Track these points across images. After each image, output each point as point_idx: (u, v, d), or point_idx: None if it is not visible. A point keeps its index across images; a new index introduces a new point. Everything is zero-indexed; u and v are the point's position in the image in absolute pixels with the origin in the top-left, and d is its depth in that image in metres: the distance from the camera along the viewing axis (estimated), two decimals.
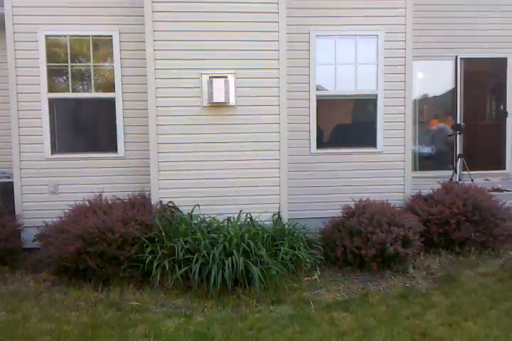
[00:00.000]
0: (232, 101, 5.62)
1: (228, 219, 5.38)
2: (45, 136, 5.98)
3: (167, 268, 4.59)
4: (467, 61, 7.70)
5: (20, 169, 5.94)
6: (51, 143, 6.01)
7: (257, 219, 5.49)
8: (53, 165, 6.02)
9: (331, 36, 6.33)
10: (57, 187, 6.00)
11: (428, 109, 8.00)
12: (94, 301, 4.42)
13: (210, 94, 5.54)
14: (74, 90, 6.12)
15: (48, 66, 5.98)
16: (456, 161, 7.25)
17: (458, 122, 7.65)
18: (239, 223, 5.33)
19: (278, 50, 5.66)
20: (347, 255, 5.18)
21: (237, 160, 5.64)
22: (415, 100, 7.66)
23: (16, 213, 5.87)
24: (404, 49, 6.34)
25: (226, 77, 5.61)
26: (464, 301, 4.33)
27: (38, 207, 5.94)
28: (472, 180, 6.84)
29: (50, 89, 6.01)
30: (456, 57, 7.67)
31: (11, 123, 5.94)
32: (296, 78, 6.23)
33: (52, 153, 6.03)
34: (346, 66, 6.40)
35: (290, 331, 3.79)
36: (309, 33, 6.26)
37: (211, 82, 5.54)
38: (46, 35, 5.94)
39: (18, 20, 5.88)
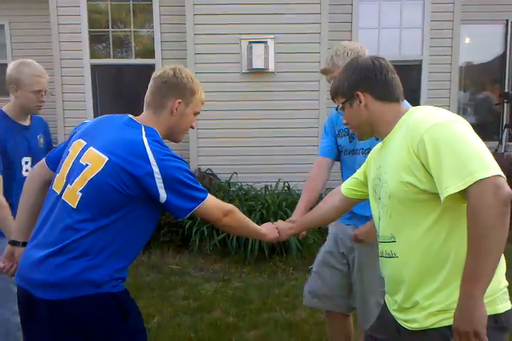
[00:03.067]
0: (271, 67, 5.54)
1: (266, 187, 5.40)
2: (87, 102, 6.07)
3: (205, 234, 4.69)
4: None
5: (65, 134, 6.08)
6: (94, 109, 6.10)
7: (294, 188, 5.49)
8: None
9: None
10: None
11: (474, 76, 7.68)
12: (135, 263, 4.58)
13: (250, 60, 5.47)
14: (115, 56, 6.15)
15: (89, 32, 6.00)
16: (503, 132, 6.99)
17: (506, 90, 7.31)
18: (276, 191, 5.35)
19: (320, 14, 5.50)
20: None
21: (276, 128, 5.60)
22: (461, 67, 7.35)
23: None
24: (452, 12, 6.03)
25: (266, 42, 5.50)
26: None
27: None
28: None
29: (92, 55, 6.06)
30: (507, 20, 7.26)
31: (55, 89, 6.05)
32: (337, 43, 6.06)
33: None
34: (390, 30, 6.17)
35: None
36: None
37: (250, 47, 5.45)
38: (88, 1, 5.94)
39: None
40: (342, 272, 2.51)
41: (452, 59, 6.10)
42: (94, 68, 6.08)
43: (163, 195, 1.64)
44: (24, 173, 2.56)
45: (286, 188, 5.45)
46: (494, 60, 7.53)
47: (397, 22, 6.16)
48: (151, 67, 6.05)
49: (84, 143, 1.73)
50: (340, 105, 1.68)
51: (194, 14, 5.49)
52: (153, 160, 1.62)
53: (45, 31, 6.33)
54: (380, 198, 1.62)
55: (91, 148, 1.69)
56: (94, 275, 1.61)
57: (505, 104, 7.21)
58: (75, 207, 1.64)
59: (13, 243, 1.91)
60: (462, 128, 1.44)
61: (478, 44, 7.45)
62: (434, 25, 6.06)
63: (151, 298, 3.86)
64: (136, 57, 6.16)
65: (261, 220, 4.66)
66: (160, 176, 1.62)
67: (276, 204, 4.87)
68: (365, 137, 1.74)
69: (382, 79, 1.60)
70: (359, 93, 1.61)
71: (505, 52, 7.37)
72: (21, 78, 2.47)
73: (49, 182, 1.81)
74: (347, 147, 2.42)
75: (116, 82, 6.40)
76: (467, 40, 7.36)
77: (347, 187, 1.95)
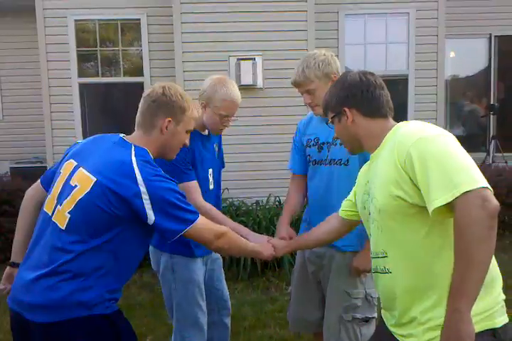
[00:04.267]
0: (259, 83, 5.58)
1: (257, 202, 5.40)
2: (76, 121, 6.06)
3: None
4: (502, 39, 7.43)
5: (53, 154, 6.05)
6: (82, 127, 6.10)
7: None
8: None
9: (361, 15, 6.18)
10: None
11: (460, 89, 7.79)
12: (127, 282, 4.52)
13: (238, 77, 5.51)
14: (103, 75, 6.17)
15: (77, 51, 6.03)
16: (490, 143, 7.07)
17: (492, 103, 7.42)
18: (267, 206, 5.34)
19: (306, 30, 5.58)
20: None
21: (266, 143, 5.62)
22: (446, 80, 7.46)
23: None
24: (437, 27, 6.15)
25: (254, 58, 5.56)
26: None
27: None
28: (506, 162, 6.67)
29: (80, 74, 6.07)
30: (491, 34, 7.40)
31: (43, 108, 6.04)
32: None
33: (84, 137, 6.11)
34: (376, 46, 6.27)
35: None
36: (338, 12, 6.13)
37: (239, 64, 5.50)
38: (75, 20, 5.98)
39: (48, 5, 5.91)
40: (316, 292, 2.46)
41: (438, 73, 6.20)
42: (82, 87, 6.09)
43: (151, 217, 1.61)
44: (210, 186, 2.50)
45: (277, 203, 5.45)
46: (479, 73, 7.66)
47: (382, 37, 6.26)
48: (139, 85, 6.08)
49: (75, 163, 1.71)
50: (330, 120, 1.71)
51: (182, 32, 5.54)
52: (141, 181, 1.59)
53: (33, 51, 6.35)
54: (369, 213, 1.62)
55: (81, 168, 1.68)
56: (85, 296, 1.58)
57: (491, 116, 7.32)
58: (63, 228, 1.62)
59: (14, 265, 1.90)
60: (448, 142, 1.45)
61: (463, 58, 7.58)
62: (419, 40, 6.16)
63: (143, 317, 3.80)
64: (124, 76, 6.19)
65: None
66: (148, 197, 1.59)
67: (268, 219, 4.86)
68: (355, 151, 1.76)
69: (369, 96, 1.62)
70: (346, 109, 1.63)
71: (489, 66, 7.50)
72: (213, 98, 2.35)
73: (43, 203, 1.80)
74: (315, 157, 2.37)
75: (104, 100, 6.41)
76: (452, 54, 7.49)
77: (342, 209, 1.97)
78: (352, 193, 1.91)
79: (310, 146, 2.40)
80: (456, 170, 1.35)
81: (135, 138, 1.77)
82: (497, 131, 7.37)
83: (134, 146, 1.70)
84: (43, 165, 6.31)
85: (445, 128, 7.47)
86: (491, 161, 6.75)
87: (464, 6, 7.12)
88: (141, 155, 1.67)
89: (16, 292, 1.67)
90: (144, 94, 1.82)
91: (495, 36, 7.40)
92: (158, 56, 6.03)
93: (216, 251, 1.92)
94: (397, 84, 6.34)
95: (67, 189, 1.67)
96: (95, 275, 1.60)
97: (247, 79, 5.51)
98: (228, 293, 2.74)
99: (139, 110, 1.82)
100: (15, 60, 6.93)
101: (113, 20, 6.06)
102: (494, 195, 1.34)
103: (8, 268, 1.92)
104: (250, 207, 5.29)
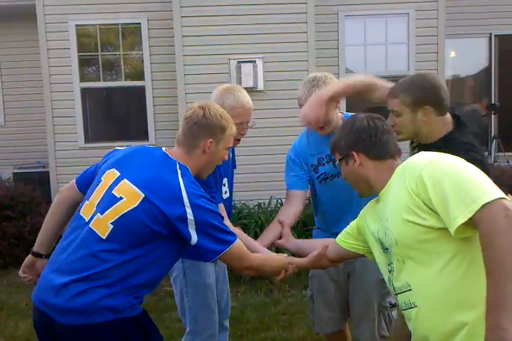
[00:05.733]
0: (260, 86, 5.59)
1: (259, 204, 5.40)
2: (78, 126, 6.08)
3: None
4: (502, 38, 7.42)
5: (56, 158, 6.07)
6: (84, 132, 6.11)
7: None
8: (87, 154, 6.11)
9: (360, 16, 6.18)
10: None
11: (461, 89, 7.79)
12: None
13: (239, 80, 5.53)
14: (105, 79, 6.19)
15: (79, 56, 6.05)
16: (491, 143, 7.06)
17: (493, 102, 7.41)
18: (269, 209, 5.35)
19: (306, 32, 5.59)
20: None
21: (267, 145, 5.63)
22: (447, 80, 7.46)
23: (52, 202, 6.00)
24: (437, 27, 6.14)
25: (254, 61, 5.57)
26: None
27: None
28: (508, 162, 6.66)
29: (82, 79, 6.09)
30: (491, 34, 7.40)
31: (45, 113, 6.06)
32: (325, 60, 6.14)
33: (86, 142, 6.13)
34: (376, 46, 6.27)
35: None
36: (338, 14, 6.13)
37: (239, 67, 5.52)
38: (76, 25, 6.00)
39: (49, 11, 5.94)
40: (337, 290, 2.49)
41: (438, 73, 6.18)
42: (84, 91, 6.10)
43: (194, 237, 1.68)
44: (224, 196, 2.49)
45: (278, 205, 5.45)
46: (480, 73, 7.65)
47: (382, 38, 6.26)
48: (141, 89, 6.10)
49: (118, 173, 1.75)
50: (338, 162, 1.78)
51: (182, 36, 5.56)
52: (188, 202, 1.66)
53: (35, 56, 6.39)
54: (387, 249, 1.60)
55: (125, 180, 1.72)
56: (114, 302, 1.64)
57: (492, 116, 7.30)
58: (104, 238, 1.66)
59: (37, 255, 1.95)
60: (456, 161, 1.48)
61: (464, 57, 7.57)
62: (419, 40, 6.16)
63: None
64: (125, 80, 6.20)
65: (255, 239, 4.64)
66: (193, 218, 1.66)
67: (270, 221, 4.84)
68: (365, 194, 1.79)
69: (377, 141, 1.67)
70: (354, 153, 1.68)
71: (490, 65, 7.49)
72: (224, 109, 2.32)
73: (77, 205, 1.86)
74: (332, 172, 2.36)
75: (106, 104, 6.43)
76: (452, 54, 7.48)
77: (339, 237, 1.96)
78: (352, 226, 1.90)
79: (323, 164, 2.40)
80: (469, 186, 1.36)
81: (177, 155, 1.82)
82: (498, 131, 7.36)
83: (179, 164, 1.76)
84: (46, 169, 6.32)
85: None
86: (492, 161, 6.73)
87: (463, 5, 7.12)
88: (187, 175, 1.73)
89: (43, 293, 1.70)
90: (185, 116, 1.89)
91: (495, 35, 7.39)
92: (159, 60, 6.05)
93: (242, 274, 2.03)
94: None
95: (109, 198, 1.71)
96: (127, 283, 1.65)
97: (247, 82, 5.52)
98: (230, 295, 2.74)
99: (179, 130, 1.88)
100: (17, 65, 6.97)
101: (114, 24, 6.08)
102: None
103: (30, 256, 1.96)
104: (252, 210, 5.29)
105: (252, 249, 2.11)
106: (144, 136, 6.10)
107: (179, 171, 1.72)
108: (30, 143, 6.95)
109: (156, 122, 6.07)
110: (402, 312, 1.63)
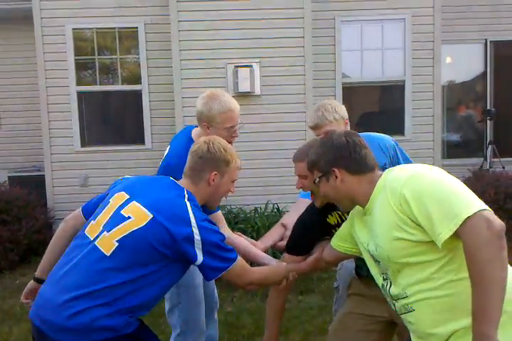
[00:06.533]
0: (257, 90, 5.60)
1: (255, 209, 5.39)
2: (74, 129, 6.06)
3: None
4: (498, 44, 7.46)
5: (51, 162, 6.05)
6: (80, 135, 6.09)
7: (284, 210, 5.48)
8: (83, 157, 6.11)
9: (357, 21, 6.20)
10: (87, 179, 6.08)
11: (457, 95, 7.81)
12: None
13: (236, 84, 5.53)
14: (101, 83, 6.18)
15: (75, 59, 6.04)
16: (487, 148, 7.07)
17: (488, 108, 7.44)
18: (266, 214, 5.34)
19: (303, 37, 5.61)
20: None
21: (263, 150, 5.63)
22: (443, 86, 7.48)
23: (47, 206, 5.99)
24: (433, 33, 6.18)
25: (251, 65, 5.58)
26: None
27: (69, 200, 6.00)
28: (503, 168, 6.67)
29: (78, 83, 6.08)
30: (486, 40, 7.43)
31: (41, 117, 6.05)
32: (321, 65, 6.16)
33: (82, 145, 6.11)
34: (373, 52, 6.29)
35: (320, 321, 3.79)
36: (334, 19, 6.15)
37: (236, 71, 5.52)
38: (73, 29, 5.99)
39: (46, 14, 5.94)
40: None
41: (434, 78, 6.22)
42: (80, 95, 6.09)
43: (200, 258, 1.73)
44: None
45: (275, 210, 5.44)
46: (475, 79, 7.68)
47: (378, 44, 6.29)
48: (137, 93, 6.09)
49: (127, 196, 1.81)
50: (317, 179, 1.77)
51: (179, 40, 5.57)
52: (195, 223, 1.72)
53: (31, 59, 6.38)
54: (379, 262, 1.67)
55: (134, 202, 1.77)
56: (112, 322, 1.65)
57: (488, 121, 7.32)
58: (108, 255, 1.68)
59: (39, 281, 1.97)
60: (436, 174, 1.52)
61: (459, 63, 7.60)
62: (416, 46, 6.19)
63: None
64: (122, 84, 6.20)
65: None
66: (200, 238, 1.71)
67: (267, 226, 4.85)
68: (349, 209, 1.82)
69: (356, 157, 1.70)
70: (336, 169, 1.70)
71: (485, 71, 7.52)
72: (211, 116, 2.36)
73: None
74: None
75: (103, 108, 6.41)
76: (448, 60, 7.51)
77: (334, 242, 2.00)
78: (343, 231, 1.94)
79: None
80: (450, 199, 1.40)
81: (184, 185, 1.92)
82: (494, 136, 7.38)
83: (187, 190, 1.85)
84: (41, 173, 6.29)
85: (442, 133, 7.51)
86: (488, 167, 6.75)
87: (459, 11, 7.16)
88: (193, 200, 1.82)
89: (41, 310, 1.71)
90: (191, 150, 1.99)
91: (491, 41, 7.42)
92: (156, 64, 6.04)
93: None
94: (394, 90, 6.36)
95: (117, 218, 1.75)
96: (125, 303, 1.67)
97: (244, 87, 5.53)
98: (216, 287, 2.81)
99: (187, 164, 1.98)
100: (12, 68, 6.94)
101: (110, 28, 6.08)
102: (492, 200, 1.37)
103: (32, 282, 2.01)
104: (249, 215, 5.28)
105: (253, 257, 2.20)
106: (141, 140, 6.09)
107: (186, 196, 1.81)
108: (26, 147, 6.91)
109: (152, 126, 6.06)
110: (401, 316, 1.67)
